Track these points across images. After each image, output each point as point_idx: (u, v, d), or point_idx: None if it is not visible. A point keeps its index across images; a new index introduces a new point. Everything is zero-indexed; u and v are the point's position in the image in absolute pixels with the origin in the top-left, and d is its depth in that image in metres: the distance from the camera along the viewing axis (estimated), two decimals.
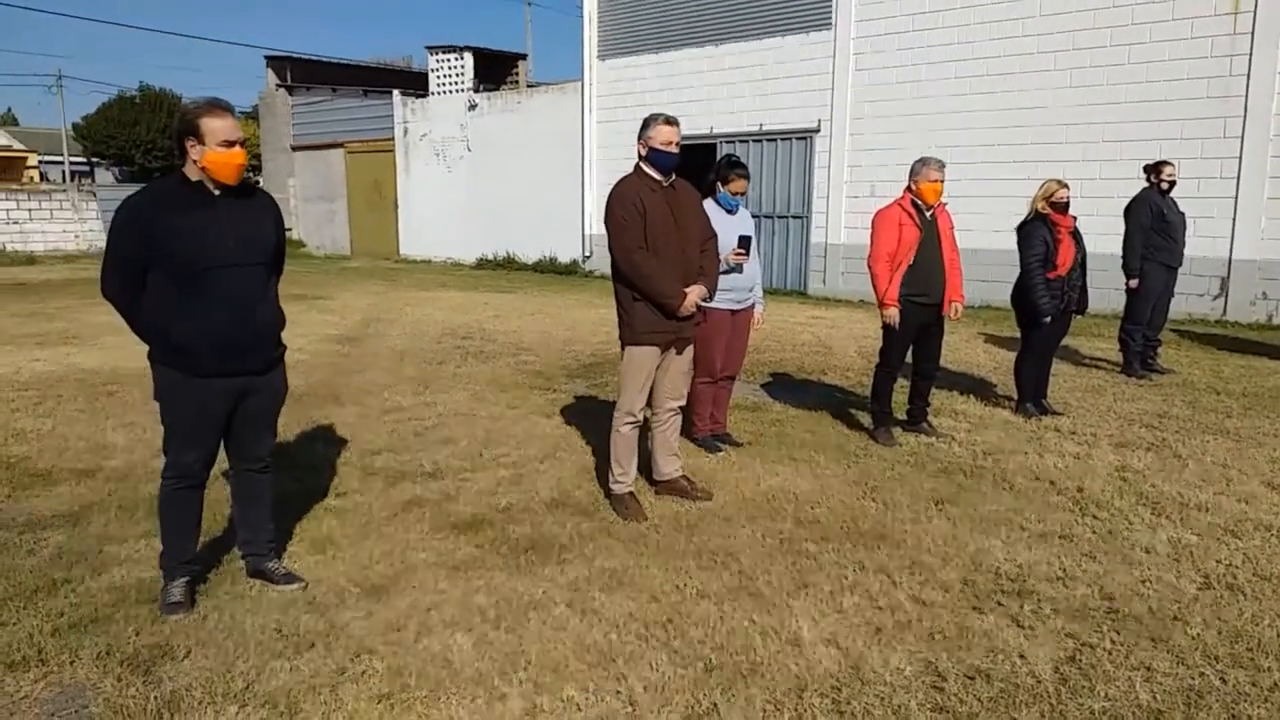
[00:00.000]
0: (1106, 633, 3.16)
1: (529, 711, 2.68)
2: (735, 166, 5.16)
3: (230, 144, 3.09)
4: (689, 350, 4.42)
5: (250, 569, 3.54)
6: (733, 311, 5.23)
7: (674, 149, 4.13)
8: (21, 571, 3.57)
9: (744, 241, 5.06)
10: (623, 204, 4.10)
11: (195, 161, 3.09)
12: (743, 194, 5.21)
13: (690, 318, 4.24)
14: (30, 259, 19.38)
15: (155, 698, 2.71)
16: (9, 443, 5.39)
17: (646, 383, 4.28)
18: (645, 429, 4.44)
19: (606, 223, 4.17)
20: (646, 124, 4.16)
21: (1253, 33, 10.16)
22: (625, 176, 4.23)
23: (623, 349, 4.28)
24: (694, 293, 4.17)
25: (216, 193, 3.15)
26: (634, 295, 4.13)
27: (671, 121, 4.13)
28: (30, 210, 21.14)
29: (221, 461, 3.46)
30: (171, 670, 2.88)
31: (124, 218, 3.12)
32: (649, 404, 4.39)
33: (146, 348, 3.25)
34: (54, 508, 4.31)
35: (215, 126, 3.07)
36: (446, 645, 3.04)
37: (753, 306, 5.41)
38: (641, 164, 4.19)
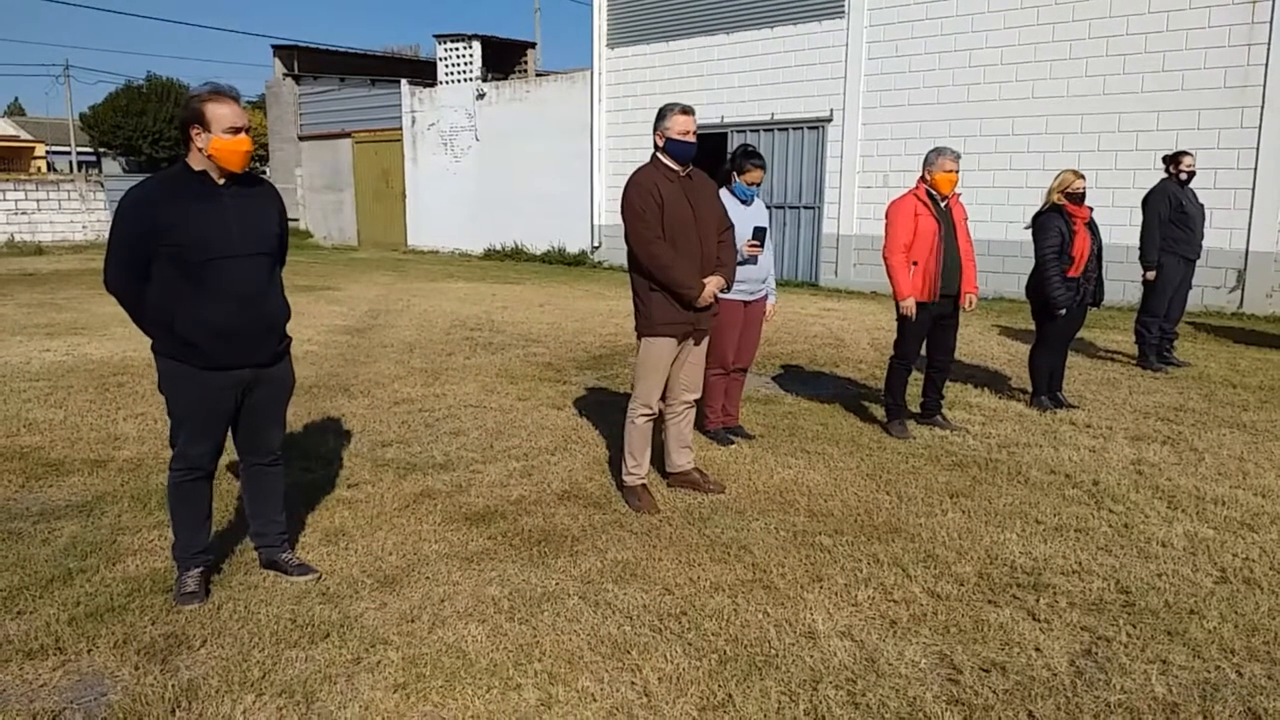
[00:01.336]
0: (1122, 626, 3.14)
1: (544, 702, 2.68)
2: (751, 156, 5.14)
3: (236, 130, 3.05)
4: (705, 342, 4.40)
5: (263, 560, 3.54)
6: (745, 303, 5.21)
7: (691, 139, 4.11)
8: (37, 561, 3.58)
9: (758, 233, 5.04)
10: (640, 194, 4.08)
11: (200, 150, 3.06)
12: (758, 184, 5.18)
13: (708, 309, 4.22)
14: (38, 249, 19.43)
15: (173, 686, 2.72)
16: (21, 433, 5.41)
17: (663, 375, 4.26)
18: (658, 421, 4.43)
19: (623, 213, 4.15)
20: (662, 114, 4.13)
21: (1271, 21, 10.06)
22: (642, 166, 4.20)
23: (639, 340, 4.26)
24: (712, 283, 4.15)
25: (221, 182, 3.13)
26: (651, 286, 4.10)
27: (688, 111, 4.11)
28: (38, 201, 21.19)
29: (231, 452, 3.46)
30: (188, 659, 2.89)
31: (127, 209, 3.09)
32: (663, 396, 4.38)
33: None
34: (67, 498, 4.32)
35: (221, 113, 3.03)
36: (460, 636, 3.04)
37: (765, 298, 5.38)
38: (658, 154, 4.16)
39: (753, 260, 5.07)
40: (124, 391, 6.44)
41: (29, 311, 10.37)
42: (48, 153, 46.90)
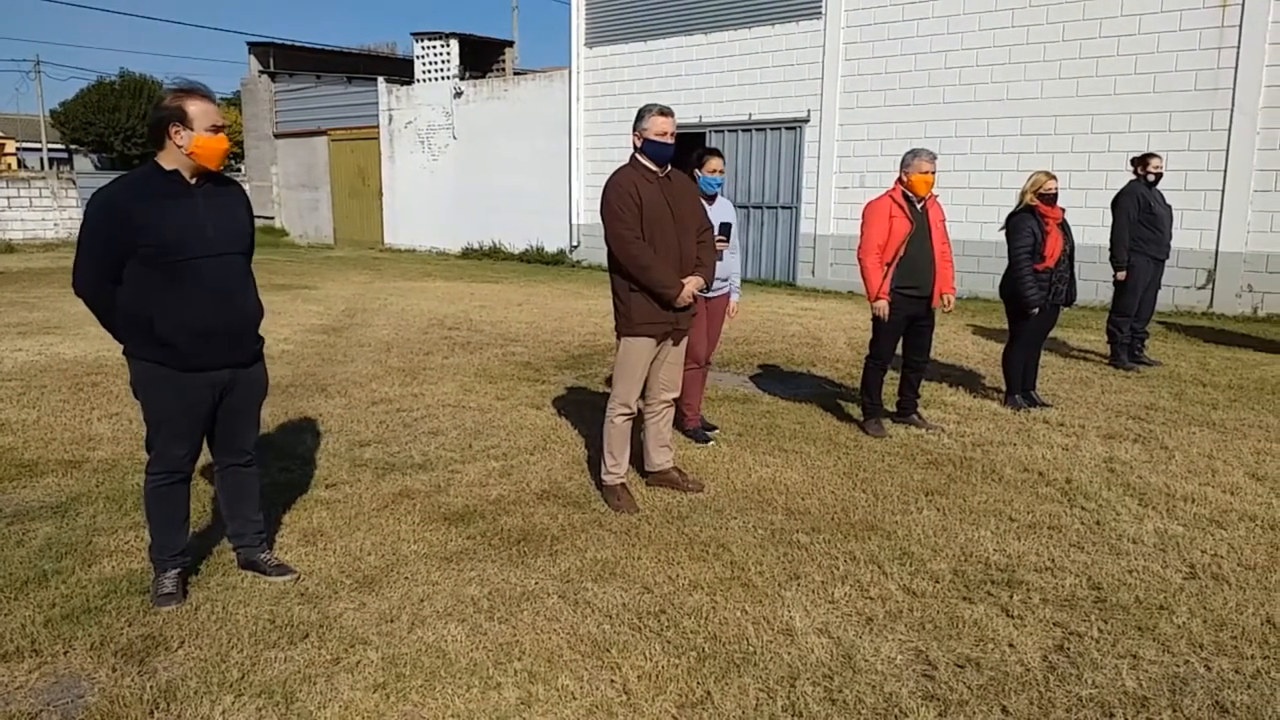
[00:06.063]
0: (1094, 622, 3.19)
1: (524, 701, 2.69)
2: (708, 151, 5.28)
3: (218, 129, 3.06)
4: (685, 342, 4.43)
5: (241, 560, 3.53)
6: (706, 299, 5.24)
7: (669, 140, 4.13)
8: (11, 563, 3.55)
9: (724, 229, 5.10)
10: (619, 195, 4.10)
11: (180, 147, 3.04)
12: (720, 173, 5.25)
13: (687, 308, 4.25)
14: (9, 247, 19.15)
15: (151, 687, 2.71)
16: None
17: (642, 374, 4.28)
18: (637, 420, 4.45)
19: (603, 214, 4.17)
20: (641, 115, 4.15)
21: (1240, 25, 10.23)
22: (621, 167, 4.22)
23: (619, 340, 4.28)
24: (692, 283, 4.18)
25: (193, 181, 3.11)
26: (631, 286, 4.13)
27: (666, 112, 4.13)
28: (9, 198, 20.87)
29: (204, 455, 3.43)
30: (166, 660, 2.88)
31: (99, 210, 3.06)
32: (642, 395, 4.40)
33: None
34: (41, 499, 4.28)
35: (204, 110, 3.03)
36: (440, 636, 3.04)
37: (728, 295, 5.45)
38: (637, 155, 4.18)
39: (719, 256, 5.10)
40: (98, 391, 6.37)
41: None
42: (18, 149, 46.25)
